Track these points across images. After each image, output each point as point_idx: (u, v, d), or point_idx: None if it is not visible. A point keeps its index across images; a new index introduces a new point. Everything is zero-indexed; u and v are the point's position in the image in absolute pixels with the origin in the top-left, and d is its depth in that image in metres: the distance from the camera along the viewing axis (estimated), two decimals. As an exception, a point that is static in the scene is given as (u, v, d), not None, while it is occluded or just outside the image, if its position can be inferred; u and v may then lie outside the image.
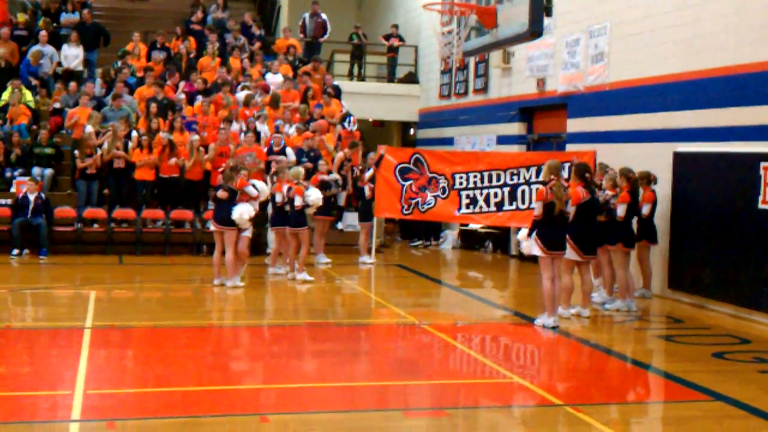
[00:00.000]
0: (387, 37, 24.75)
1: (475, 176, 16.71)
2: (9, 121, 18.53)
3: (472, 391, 8.57)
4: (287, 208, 14.37)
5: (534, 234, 11.15)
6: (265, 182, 15.22)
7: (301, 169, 14.86)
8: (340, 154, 18.36)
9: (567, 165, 13.80)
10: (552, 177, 11.03)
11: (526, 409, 8.01)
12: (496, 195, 16.52)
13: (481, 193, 16.65)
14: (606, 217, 12.26)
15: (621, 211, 12.21)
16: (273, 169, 15.34)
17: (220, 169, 14.41)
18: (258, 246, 16.25)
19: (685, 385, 8.63)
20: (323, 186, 15.67)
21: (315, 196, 14.61)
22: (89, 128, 17.78)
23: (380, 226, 19.91)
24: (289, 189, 14.24)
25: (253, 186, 13.60)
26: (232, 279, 13.49)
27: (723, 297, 12.59)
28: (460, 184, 16.80)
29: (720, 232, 12.65)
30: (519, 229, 12.90)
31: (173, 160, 17.58)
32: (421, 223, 19.90)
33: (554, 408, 7.83)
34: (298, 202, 14.21)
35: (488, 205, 16.61)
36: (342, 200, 18.66)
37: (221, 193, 13.47)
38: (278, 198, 14.36)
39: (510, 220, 16.62)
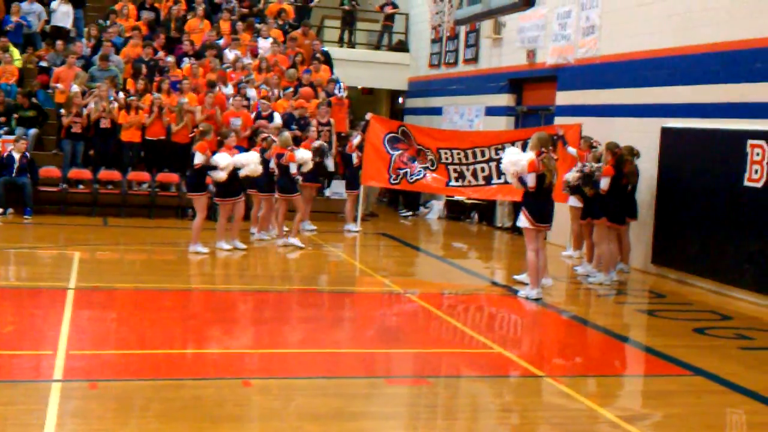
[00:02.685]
0: (382, 7, 24.61)
1: (459, 153, 16.55)
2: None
3: (454, 361, 8.61)
4: (276, 173, 14.30)
5: (522, 206, 11.16)
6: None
7: (288, 135, 14.77)
8: (314, 121, 18.12)
9: (554, 137, 13.84)
10: (542, 149, 10.98)
11: (507, 379, 8.04)
12: (483, 170, 16.40)
13: (468, 169, 16.54)
14: (591, 189, 12.28)
15: (604, 184, 12.18)
16: (261, 136, 15.21)
17: (191, 135, 14.37)
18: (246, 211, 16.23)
19: (666, 359, 8.69)
20: (318, 153, 15.54)
21: (302, 154, 14.59)
22: (75, 88, 17.65)
23: (373, 194, 19.90)
24: (280, 156, 14.14)
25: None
26: (194, 244, 13.36)
27: (706, 273, 12.64)
28: (446, 159, 16.67)
29: (705, 208, 12.68)
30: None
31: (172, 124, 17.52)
32: (410, 193, 19.91)
33: (535, 379, 7.88)
34: (293, 169, 14.17)
35: (476, 179, 16.51)
36: (331, 166, 18.57)
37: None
38: (271, 164, 14.26)
39: (498, 193, 16.55)
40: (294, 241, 14.43)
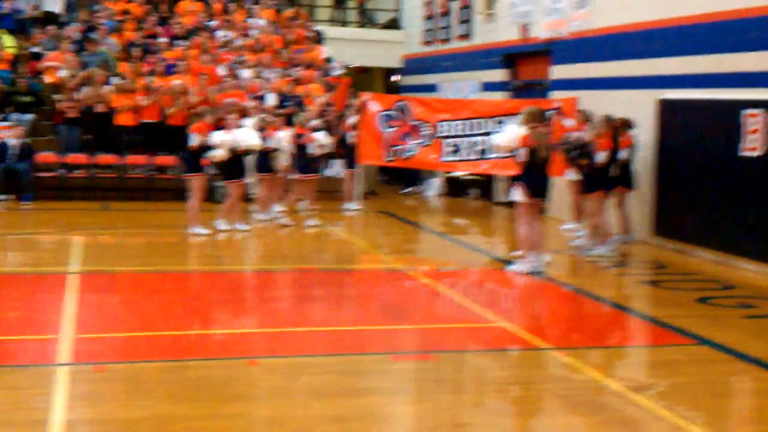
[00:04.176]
0: None
1: (458, 125, 16.59)
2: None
3: (458, 336, 8.62)
4: (288, 154, 14.37)
5: (518, 180, 11.15)
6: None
7: (307, 115, 14.89)
8: (320, 99, 18.26)
9: (546, 112, 13.89)
10: (533, 123, 10.96)
11: (512, 352, 8.07)
12: (478, 144, 16.45)
13: (464, 142, 16.56)
14: (585, 160, 12.26)
15: (601, 157, 12.20)
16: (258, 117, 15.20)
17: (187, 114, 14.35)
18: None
19: (670, 329, 8.71)
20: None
21: (321, 137, 14.82)
22: (64, 72, 17.57)
23: (373, 174, 19.88)
24: (300, 136, 14.23)
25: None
26: (192, 226, 13.35)
27: (707, 243, 12.67)
28: (445, 132, 16.68)
29: (704, 179, 12.70)
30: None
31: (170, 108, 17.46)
32: (410, 170, 19.93)
33: (540, 351, 7.91)
34: (311, 149, 14.24)
35: (471, 154, 16.53)
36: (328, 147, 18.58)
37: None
38: (268, 143, 14.26)
39: (493, 168, 16.56)
40: (313, 221, 14.69)
